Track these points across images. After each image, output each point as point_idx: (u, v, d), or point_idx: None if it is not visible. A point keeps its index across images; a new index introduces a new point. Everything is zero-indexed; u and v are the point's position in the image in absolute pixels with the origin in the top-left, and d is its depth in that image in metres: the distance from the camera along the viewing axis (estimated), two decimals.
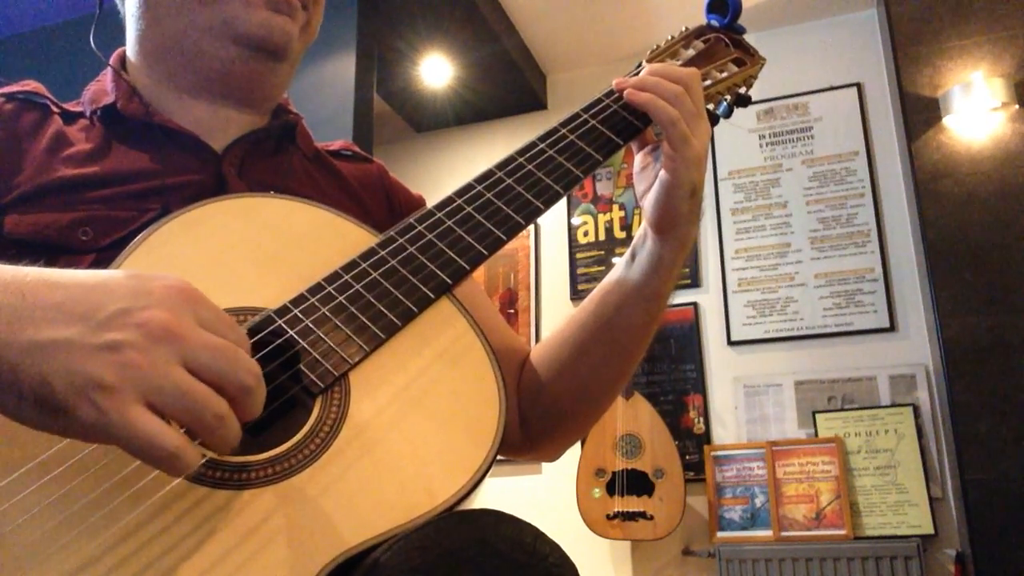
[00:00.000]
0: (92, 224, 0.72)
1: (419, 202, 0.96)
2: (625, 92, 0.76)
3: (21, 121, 0.78)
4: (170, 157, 0.78)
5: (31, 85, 0.81)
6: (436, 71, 3.58)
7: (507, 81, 3.66)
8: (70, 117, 0.81)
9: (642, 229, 0.79)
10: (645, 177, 0.78)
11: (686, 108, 0.74)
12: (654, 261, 0.77)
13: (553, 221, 3.67)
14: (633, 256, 0.79)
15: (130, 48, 0.85)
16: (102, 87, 0.83)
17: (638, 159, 0.80)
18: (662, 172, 0.74)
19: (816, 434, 2.96)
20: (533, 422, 0.84)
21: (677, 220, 0.75)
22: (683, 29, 0.88)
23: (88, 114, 0.81)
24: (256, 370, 0.48)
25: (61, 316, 0.46)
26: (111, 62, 0.84)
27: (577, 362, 0.81)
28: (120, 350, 0.44)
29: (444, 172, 3.93)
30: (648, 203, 0.76)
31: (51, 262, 0.69)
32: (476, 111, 3.91)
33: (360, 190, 0.90)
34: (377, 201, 0.91)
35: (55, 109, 0.81)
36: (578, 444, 3.17)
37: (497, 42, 3.36)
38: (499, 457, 0.75)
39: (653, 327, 0.81)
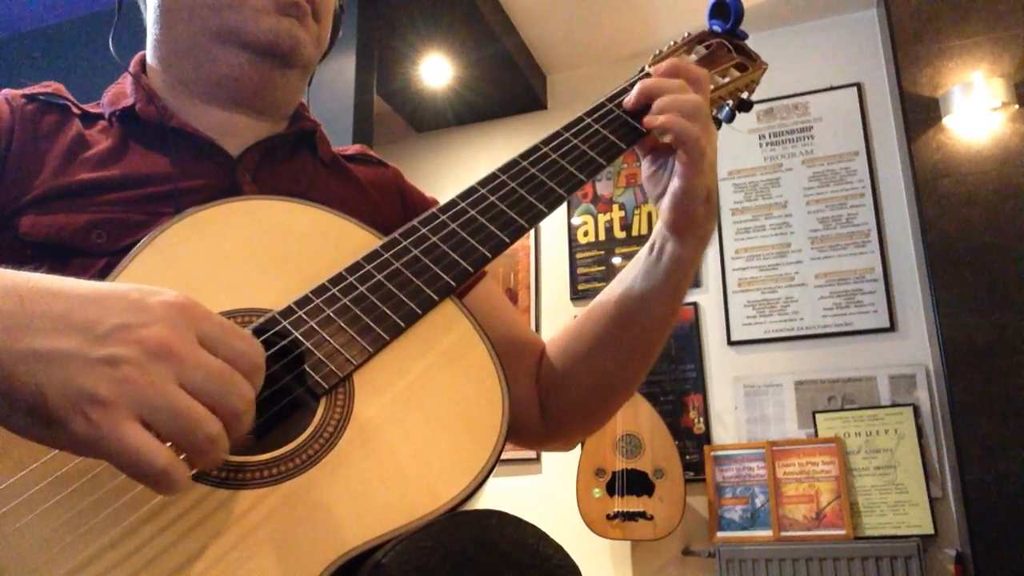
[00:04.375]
0: (106, 227, 0.72)
1: (433, 206, 0.97)
2: (644, 119, 0.77)
3: (42, 122, 0.78)
4: (186, 161, 0.79)
5: (52, 86, 0.82)
6: (436, 71, 3.58)
7: (507, 81, 3.66)
8: (89, 119, 0.81)
9: (660, 228, 0.80)
10: (657, 181, 0.79)
11: (703, 121, 0.75)
12: (675, 260, 0.78)
13: (553, 221, 3.67)
14: (652, 252, 0.80)
15: (148, 53, 0.86)
16: (122, 89, 0.84)
17: (646, 163, 0.81)
18: (676, 180, 0.75)
19: (816, 434, 2.97)
20: (554, 413, 0.85)
21: (695, 223, 0.76)
22: (685, 34, 0.89)
23: (107, 116, 0.81)
24: (249, 395, 0.48)
25: (60, 327, 0.45)
26: (131, 66, 0.85)
27: (598, 355, 0.82)
28: (118, 365, 0.44)
29: (444, 172, 3.94)
30: (665, 208, 0.77)
31: (64, 264, 0.69)
32: (476, 111, 3.91)
33: (375, 194, 0.91)
34: (392, 205, 0.92)
35: (75, 111, 0.81)
36: (578, 444, 3.17)
37: (497, 42, 3.36)
38: (514, 453, 0.75)
39: (673, 321, 0.82)
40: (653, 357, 0.84)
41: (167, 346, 0.46)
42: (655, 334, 0.82)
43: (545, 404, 0.86)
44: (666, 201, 0.77)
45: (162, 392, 0.45)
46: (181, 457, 0.46)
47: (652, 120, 0.76)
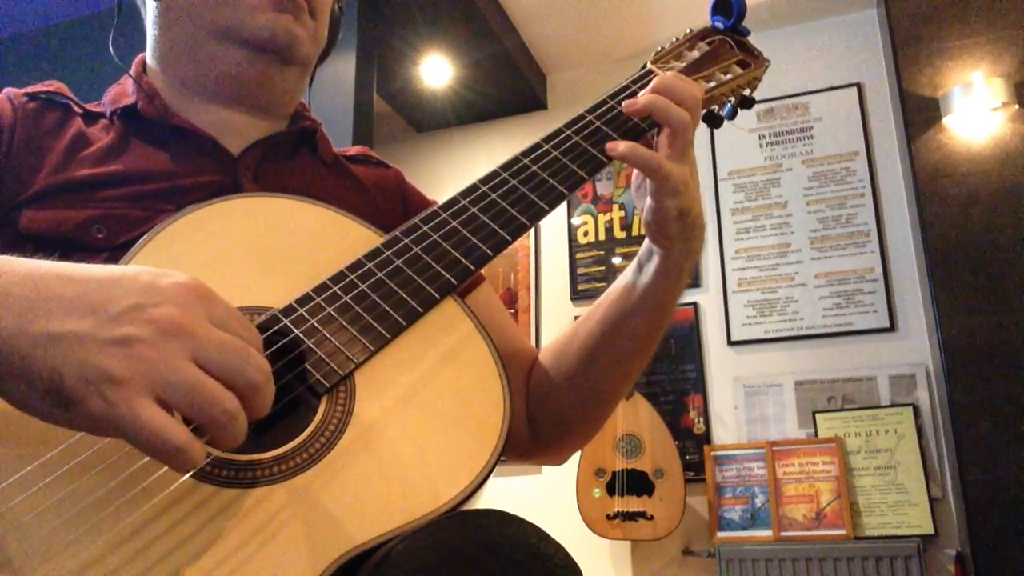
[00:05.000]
0: (107, 222, 0.73)
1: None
2: (624, 103, 0.77)
3: (43, 120, 0.79)
4: (187, 159, 0.79)
5: (54, 85, 0.82)
6: (436, 71, 3.58)
7: (507, 81, 3.66)
8: (91, 117, 0.82)
9: (645, 243, 0.80)
10: (641, 194, 0.78)
11: (694, 112, 0.75)
12: (658, 273, 0.78)
13: (553, 221, 3.67)
14: (640, 266, 0.80)
15: (148, 54, 0.86)
16: (123, 89, 0.84)
17: (634, 174, 0.80)
18: (648, 197, 0.75)
19: (816, 434, 2.97)
20: (540, 426, 0.85)
21: (670, 239, 0.76)
22: (687, 31, 0.88)
23: (108, 114, 0.82)
24: (266, 368, 0.49)
25: (74, 309, 0.46)
26: (132, 67, 0.86)
27: (584, 368, 0.82)
28: (131, 344, 0.45)
29: (444, 172, 3.93)
30: (643, 222, 0.78)
31: (65, 259, 0.69)
32: (476, 111, 3.91)
33: (376, 194, 0.91)
34: (393, 206, 0.92)
35: (77, 109, 0.82)
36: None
37: (497, 42, 3.36)
38: (503, 458, 0.76)
39: (658, 335, 0.82)
40: (637, 371, 0.84)
41: (179, 324, 0.46)
42: (638, 349, 0.81)
43: (532, 416, 0.85)
44: (643, 215, 0.77)
45: (176, 369, 0.45)
46: (203, 439, 0.46)
47: (633, 103, 0.76)
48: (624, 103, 0.77)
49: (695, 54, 0.86)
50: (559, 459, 0.91)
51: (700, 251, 0.79)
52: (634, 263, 0.81)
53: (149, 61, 0.86)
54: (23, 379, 0.44)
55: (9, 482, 0.47)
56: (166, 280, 0.49)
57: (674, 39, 0.88)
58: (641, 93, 0.77)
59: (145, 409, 0.44)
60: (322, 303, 0.63)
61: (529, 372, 0.87)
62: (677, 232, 0.75)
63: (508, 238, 0.71)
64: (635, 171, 0.80)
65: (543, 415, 0.85)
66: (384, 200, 0.91)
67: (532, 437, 0.85)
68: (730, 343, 3.25)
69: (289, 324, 0.61)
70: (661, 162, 0.73)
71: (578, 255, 3.61)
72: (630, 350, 0.81)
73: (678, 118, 0.74)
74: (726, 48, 0.87)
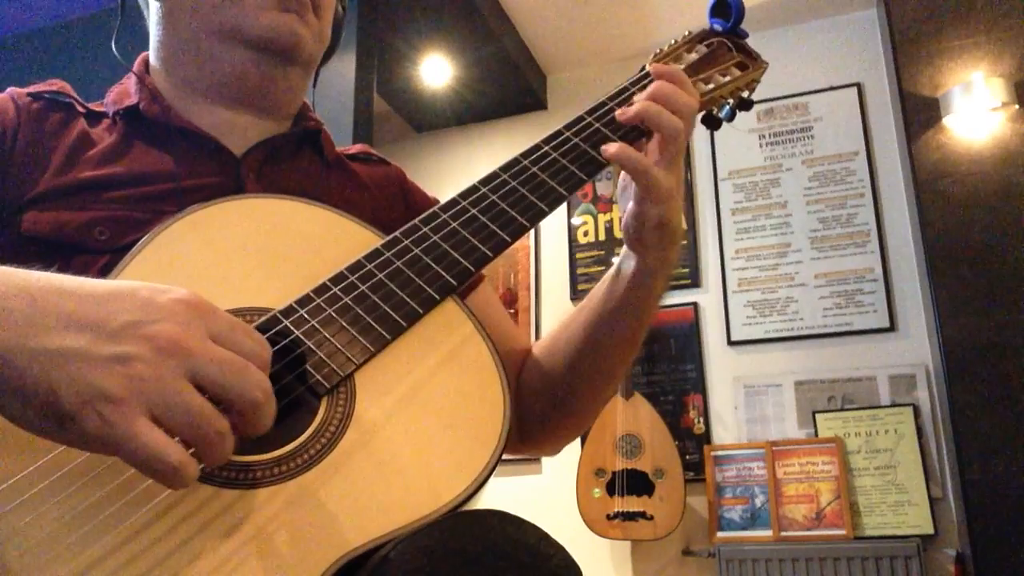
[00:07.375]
0: (108, 224, 0.73)
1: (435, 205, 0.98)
2: (603, 149, 0.76)
3: (47, 120, 0.78)
4: (189, 160, 0.79)
5: (57, 84, 0.82)
6: (436, 71, 3.58)
7: (507, 81, 3.66)
8: (94, 117, 0.82)
9: (625, 247, 0.80)
10: (626, 198, 0.78)
11: (685, 118, 0.74)
12: (636, 277, 0.78)
13: (553, 221, 3.66)
14: (618, 271, 0.80)
15: (152, 53, 0.86)
16: (125, 89, 0.84)
17: (622, 176, 0.79)
18: (631, 202, 0.75)
19: (816, 434, 2.97)
20: (528, 421, 0.86)
21: (646, 248, 0.76)
22: (686, 33, 0.89)
23: (111, 115, 0.82)
24: (266, 385, 0.49)
25: (71, 325, 0.46)
26: (135, 66, 0.86)
27: (568, 371, 0.83)
28: (128, 362, 0.45)
29: (444, 172, 3.94)
30: (622, 226, 0.78)
31: (67, 261, 0.69)
32: (476, 111, 3.91)
33: (378, 193, 0.91)
34: (395, 203, 0.92)
35: (80, 109, 0.82)
36: (578, 444, 3.18)
37: (497, 42, 3.36)
38: (515, 453, 0.76)
39: (639, 337, 0.82)
40: (621, 371, 0.84)
41: (176, 342, 0.46)
42: (619, 352, 0.82)
43: (522, 410, 0.86)
44: (623, 220, 0.77)
45: (172, 388, 0.45)
46: (190, 452, 0.46)
47: (624, 112, 0.75)
48: (617, 112, 0.77)
49: (693, 56, 0.86)
50: (551, 452, 0.92)
51: (676, 263, 0.79)
52: (614, 268, 0.81)
53: (152, 61, 0.86)
54: (19, 395, 0.44)
55: (4, 487, 0.47)
56: (164, 296, 0.48)
57: (673, 41, 0.88)
58: (638, 97, 0.77)
59: (142, 429, 0.44)
60: (322, 304, 0.63)
61: (519, 371, 0.88)
62: (655, 241, 0.75)
63: (508, 239, 0.71)
64: (622, 173, 0.80)
65: (532, 408, 0.85)
66: (385, 198, 0.91)
67: (519, 431, 0.86)
68: (730, 343, 3.25)
69: (289, 325, 0.62)
70: (649, 167, 0.72)
71: (578, 255, 3.61)
72: (611, 353, 0.82)
73: (670, 125, 0.74)
74: (725, 50, 0.88)
